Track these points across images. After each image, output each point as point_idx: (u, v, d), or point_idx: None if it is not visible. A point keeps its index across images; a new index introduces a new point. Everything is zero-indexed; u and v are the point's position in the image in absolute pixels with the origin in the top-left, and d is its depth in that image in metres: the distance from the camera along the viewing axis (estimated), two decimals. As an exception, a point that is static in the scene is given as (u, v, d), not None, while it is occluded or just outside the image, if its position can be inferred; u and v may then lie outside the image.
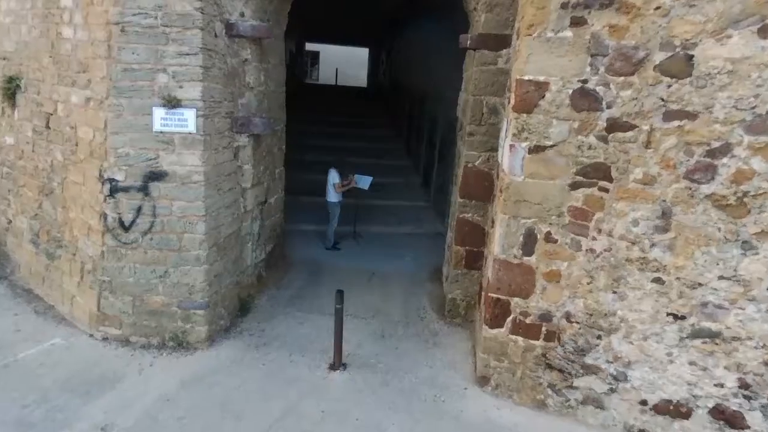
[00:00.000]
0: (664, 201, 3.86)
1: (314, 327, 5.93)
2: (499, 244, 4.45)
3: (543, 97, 4.02)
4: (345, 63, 28.90)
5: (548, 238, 4.28)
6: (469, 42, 5.63)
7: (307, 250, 8.46)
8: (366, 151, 14.21)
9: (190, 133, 5.04)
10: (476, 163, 5.77)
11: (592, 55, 3.83)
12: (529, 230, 4.32)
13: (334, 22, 23.46)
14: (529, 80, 4.03)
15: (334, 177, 8.30)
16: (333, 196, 8.35)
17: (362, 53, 28.17)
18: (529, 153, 4.16)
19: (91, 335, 5.41)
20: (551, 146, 4.09)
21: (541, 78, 3.99)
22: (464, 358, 5.48)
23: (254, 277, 6.62)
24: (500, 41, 5.35)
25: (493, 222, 5.19)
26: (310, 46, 27.96)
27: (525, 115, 4.11)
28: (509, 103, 4.94)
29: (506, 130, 4.74)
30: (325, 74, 29.69)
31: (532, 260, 4.38)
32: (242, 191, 6.09)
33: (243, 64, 5.80)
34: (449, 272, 6.35)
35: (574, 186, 4.11)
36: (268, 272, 7.11)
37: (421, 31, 13.14)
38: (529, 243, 4.35)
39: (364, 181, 8.78)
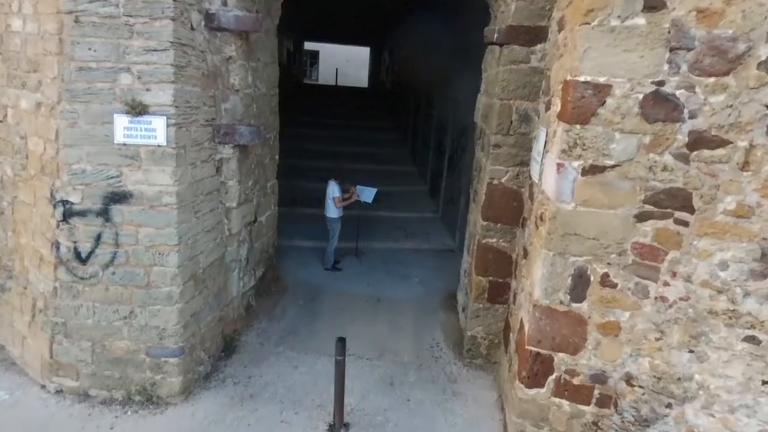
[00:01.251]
0: (765, 239, 2.98)
1: (310, 372, 5.03)
2: (541, 286, 3.56)
3: (603, 103, 3.13)
4: (345, 63, 28.03)
5: (605, 281, 3.39)
6: (496, 36, 4.73)
7: (303, 271, 7.56)
8: (368, 156, 13.32)
9: (159, 146, 4.14)
10: (503, 180, 4.87)
11: (671, 50, 2.94)
12: (579, 271, 3.44)
13: (333, 20, 22.61)
14: (585, 82, 3.14)
15: (333, 190, 7.40)
16: (333, 211, 7.45)
17: (363, 52, 27.29)
18: (583, 175, 3.27)
19: (43, 386, 4.51)
20: (613, 167, 3.21)
21: (602, 79, 3.10)
22: (489, 413, 4.59)
23: (242, 308, 5.73)
24: (535, 35, 4.46)
25: (525, 252, 4.30)
26: (309, 46, 27.10)
27: (578, 126, 3.22)
28: (546, 109, 4.05)
29: (543, 143, 3.86)
30: (324, 74, 28.82)
31: (582, 308, 3.49)
32: (226, 211, 5.19)
33: (227, 62, 4.90)
34: (468, 305, 5.46)
35: (642, 217, 3.23)
36: (259, 301, 6.21)
37: (427, 27, 12.25)
38: (579, 286, 3.46)
39: (367, 194, 7.89)
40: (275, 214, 6.74)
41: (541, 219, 3.68)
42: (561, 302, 3.53)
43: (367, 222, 8.83)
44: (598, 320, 3.47)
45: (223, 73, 4.90)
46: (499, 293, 5.11)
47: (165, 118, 4.09)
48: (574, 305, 3.51)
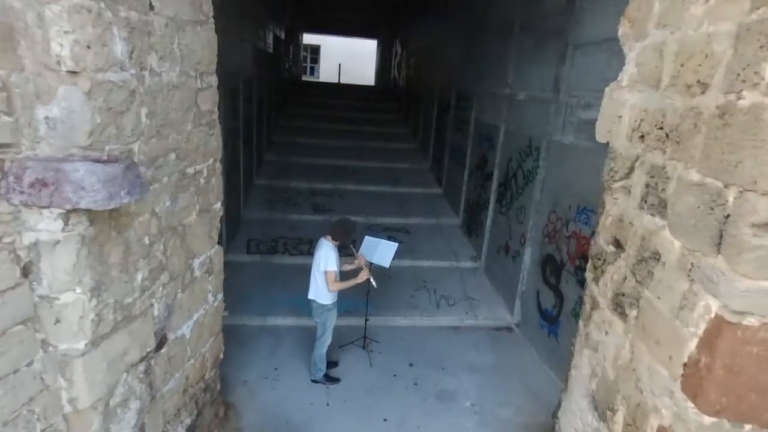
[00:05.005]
0: None
1: None
2: None
3: None
4: (349, 58, 25.00)
5: None
6: None
7: (276, 390, 4.51)
8: (379, 174, 10.26)
9: None
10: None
11: None
12: None
13: (336, 9, 19.60)
14: None
15: (327, 258, 4.31)
16: (324, 294, 4.38)
17: (369, 46, 24.24)
18: None
19: None
20: None
21: None
22: None
23: None
24: None
25: None
26: (309, 39, 24.09)
27: None
28: None
29: None
30: (326, 71, 25.79)
31: None
32: (58, 364, 2.17)
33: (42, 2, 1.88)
34: None
35: None
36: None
37: (455, 13, 9.19)
38: None
39: (382, 252, 4.84)
40: (216, 309, 3.69)
41: None
42: None
43: (379, 280, 5.79)
44: None
45: (30, 31, 1.88)
46: None
47: None
48: None
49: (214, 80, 3.22)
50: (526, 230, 5.67)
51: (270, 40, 10.63)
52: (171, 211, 2.84)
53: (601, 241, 3.12)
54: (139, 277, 2.57)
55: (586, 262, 4.60)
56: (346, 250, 4.56)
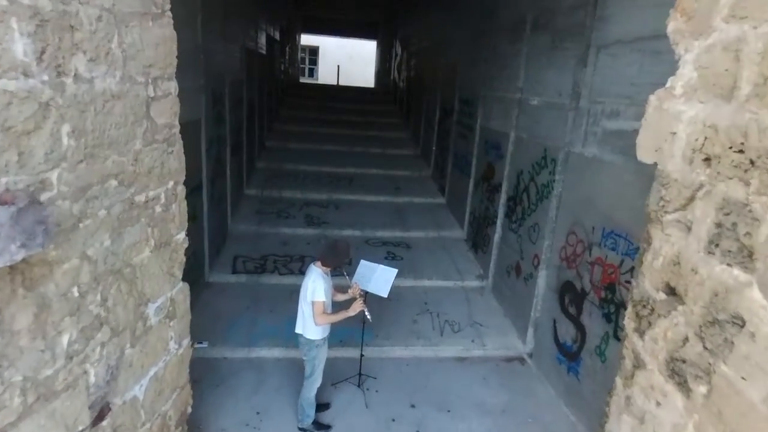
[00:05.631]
0: None
1: None
2: None
3: None
4: (348, 60, 24.47)
5: None
6: None
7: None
8: (375, 182, 9.71)
9: None
10: None
11: None
12: None
13: (334, 9, 19.08)
14: None
15: (314, 287, 3.72)
16: (312, 328, 3.80)
17: (369, 48, 23.71)
18: None
19: None
20: None
21: None
22: None
23: None
24: None
25: None
26: (307, 40, 23.56)
27: None
28: None
29: None
30: (325, 73, 25.24)
31: None
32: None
33: None
34: None
35: None
36: None
37: (459, 12, 8.63)
38: None
39: (378, 280, 4.27)
40: (181, 358, 3.11)
41: None
42: None
43: (377, 301, 5.20)
44: None
45: None
46: None
47: None
48: None
49: (173, 87, 2.65)
50: (540, 251, 5.09)
51: (263, 40, 10.07)
52: (113, 252, 2.27)
53: (647, 285, 2.53)
54: (64, 340, 2.00)
55: (614, 294, 4.03)
56: (339, 271, 4.00)
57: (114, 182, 2.22)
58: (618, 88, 3.89)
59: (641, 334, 2.55)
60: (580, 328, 4.30)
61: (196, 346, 4.96)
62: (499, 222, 6.35)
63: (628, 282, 3.68)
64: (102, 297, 2.23)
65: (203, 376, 4.49)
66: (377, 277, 4.24)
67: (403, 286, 6.12)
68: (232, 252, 6.77)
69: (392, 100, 16.89)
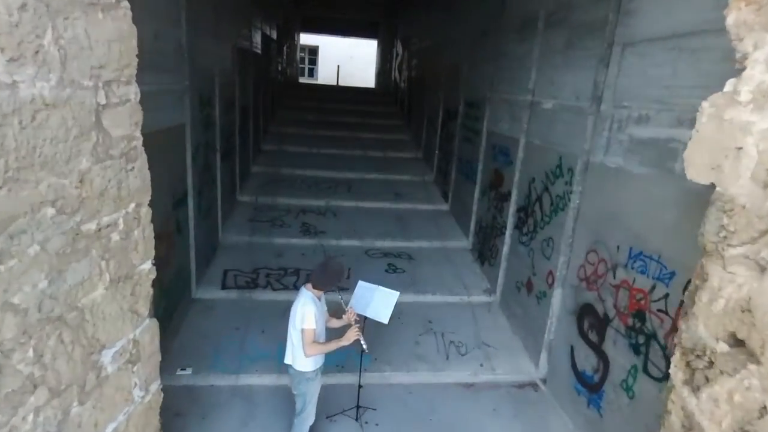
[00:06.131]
0: None
1: None
2: None
3: None
4: (349, 59, 24.05)
5: None
6: None
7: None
8: (375, 188, 9.29)
9: None
10: None
11: None
12: None
13: (333, 8, 18.66)
14: None
15: (302, 313, 3.28)
16: (302, 359, 3.36)
17: (369, 48, 23.28)
18: None
19: None
20: None
21: None
22: None
23: None
24: None
25: None
26: (307, 40, 23.13)
27: None
28: None
29: None
30: (325, 73, 24.82)
31: None
32: None
33: None
34: None
35: None
36: None
37: (463, 9, 8.19)
38: None
39: (378, 306, 3.84)
40: (148, 406, 2.68)
41: None
42: None
43: (373, 330, 4.75)
44: None
45: None
46: None
47: None
48: None
49: (132, 92, 2.23)
50: (554, 268, 4.66)
51: (258, 39, 9.64)
52: (51, 295, 1.84)
53: (702, 331, 2.08)
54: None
55: (643, 322, 3.58)
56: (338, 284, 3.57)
57: (51, 210, 1.80)
58: (647, 90, 3.46)
59: (695, 390, 2.11)
60: (603, 357, 3.87)
61: (179, 372, 4.55)
62: (508, 233, 5.92)
63: (662, 311, 3.25)
64: (36, 352, 1.80)
65: (187, 408, 4.07)
66: (377, 301, 3.82)
67: (405, 302, 5.64)
68: (222, 265, 6.35)
69: (393, 101, 16.46)
